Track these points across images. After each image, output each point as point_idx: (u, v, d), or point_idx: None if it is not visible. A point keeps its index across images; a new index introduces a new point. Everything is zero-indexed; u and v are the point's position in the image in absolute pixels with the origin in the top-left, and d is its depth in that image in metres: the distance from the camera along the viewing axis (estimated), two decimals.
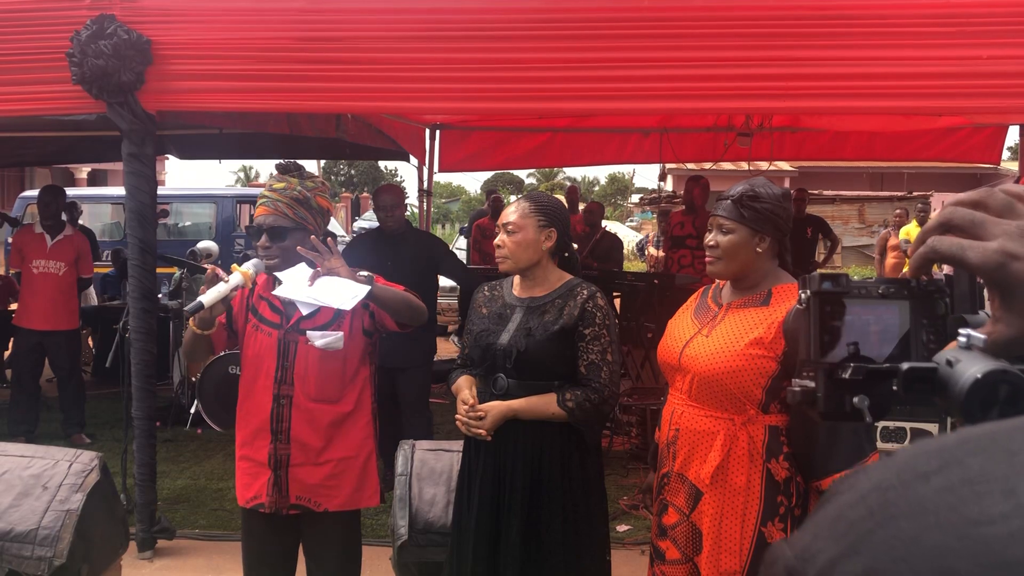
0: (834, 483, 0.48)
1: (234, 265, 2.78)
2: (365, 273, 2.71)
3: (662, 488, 2.52)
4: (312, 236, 2.76)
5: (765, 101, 4.21)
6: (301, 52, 4.14)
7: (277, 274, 2.79)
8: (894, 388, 0.75)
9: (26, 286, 6.41)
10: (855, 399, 0.78)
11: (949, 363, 0.69)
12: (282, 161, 2.93)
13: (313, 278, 2.69)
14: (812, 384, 0.82)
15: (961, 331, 0.70)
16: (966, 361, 0.68)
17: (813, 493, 2.40)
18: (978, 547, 0.37)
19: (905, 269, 10.98)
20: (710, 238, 2.44)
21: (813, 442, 2.33)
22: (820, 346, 0.81)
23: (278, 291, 2.76)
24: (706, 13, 3.93)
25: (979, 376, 0.65)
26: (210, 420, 6.60)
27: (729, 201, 2.43)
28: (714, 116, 7.61)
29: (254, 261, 2.82)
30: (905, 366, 0.73)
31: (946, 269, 0.77)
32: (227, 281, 2.68)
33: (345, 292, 2.67)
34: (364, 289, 2.65)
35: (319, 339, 2.75)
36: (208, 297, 2.64)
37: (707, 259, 2.46)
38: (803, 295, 0.83)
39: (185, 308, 2.67)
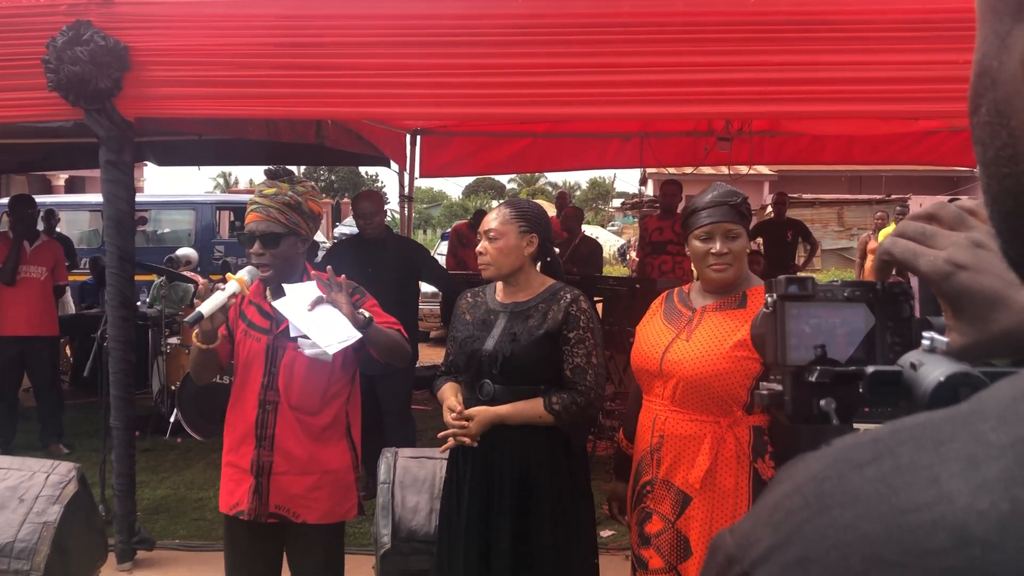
0: (776, 472, 0.49)
1: (228, 274, 2.76)
2: (366, 314, 2.70)
3: (643, 496, 2.51)
4: (329, 267, 2.75)
5: (744, 106, 4.23)
6: (280, 58, 4.12)
7: (285, 286, 2.77)
8: (860, 390, 0.76)
9: (7, 293, 6.33)
10: (822, 402, 0.78)
11: (913, 366, 0.70)
12: (272, 167, 2.89)
13: (315, 303, 2.68)
14: (779, 387, 0.83)
15: (925, 334, 0.71)
16: (929, 364, 0.69)
17: None
18: (903, 535, 0.39)
19: None
20: (718, 246, 2.42)
21: (795, 440, 2.33)
22: (786, 349, 0.82)
23: (277, 303, 2.74)
24: (685, 19, 3.94)
25: (942, 379, 0.66)
26: (190, 429, 6.54)
27: (729, 206, 2.43)
28: (694, 121, 7.64)
29: (248, 268, 2.78)
30: (870, 369, 0.74)
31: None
32: (223, 290, 2.66)
33: (336, 331, 2.66)
34: (355, 336, 2.65)
35: (309, 348, 2.71)
36: (207, 307, 2.61)
37: (716, 267, 2.44)
38: (769, 299, 0.85)
39: (185, 320, 2.64)
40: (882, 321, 0.83)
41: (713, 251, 2.43)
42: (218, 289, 2.67)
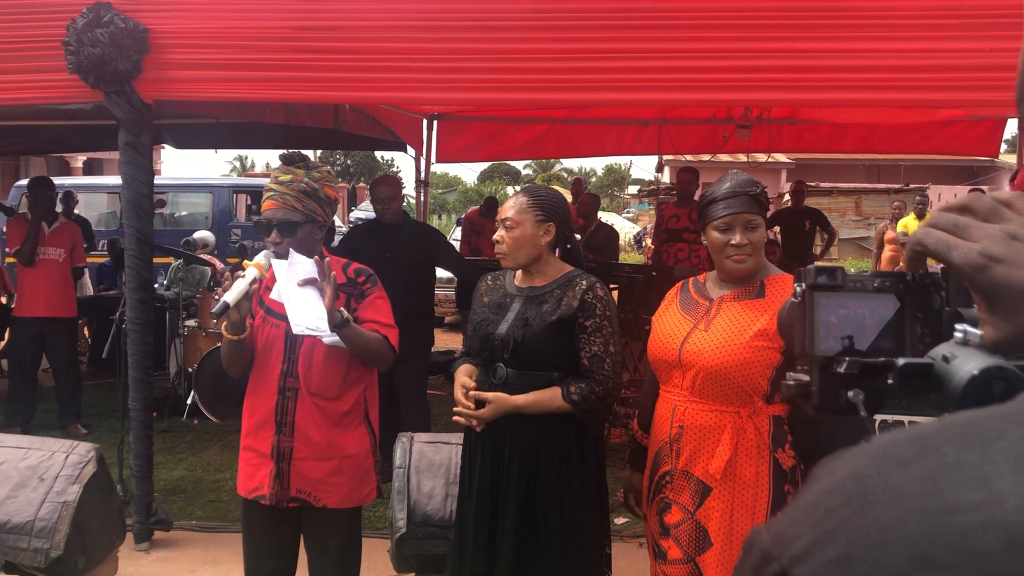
0: (815, 468, 0.48)
1: (245, 261, 2.77)
2: (344, 313, 2.67)
3: (662, 487, 2.51)
4: (328, 259, 2.77)
5: (764, 93, 4.19)
6: (299, 41, 4.12)
7: (292, 251, 2.77)
8: (889, 382, 0.75)
9: (27, 275, 6.39)
10: (850, 393, 0.77)
11: (945, 359, 0.69)
12: (287, 152, 2.88)
13: (305, 283, 2.69)
14: (807, 378, 0.82)
15: (957, 327, 0.70)
16: (962, 357, 0.68)
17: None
18: (951, 535, 0.38)
19: (902, 263, 11.13)
20: (739, 238, 2.41)
21: (817, 429, 2.32)
22: (815, 339, 0.81)
23: (276, 262, 2.76)
24: (705, 4, 3.91)
25: (975, 373, 0.65)
26: (207, 411, 6.59)
27: (749, 196, 2.42)
28: (713, 108, 7.59)
29: (265, 252, 2.79)
30: (901, 361, 0.73)
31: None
32: (244, 277, 2.66)
33: (310, 317, 2.67)
34: (324, 330, 2.66)
35: (328, 338, 2.72)
36: (231, 295, 2.62)
37: (736, 258, 2.42)
38: (798, 288, 0.84)
39: (212, 311, 2.66)
40: (912, 312, 0.82)
41: (733, 242, 2.41)
42: (239, 278, 2.67)
